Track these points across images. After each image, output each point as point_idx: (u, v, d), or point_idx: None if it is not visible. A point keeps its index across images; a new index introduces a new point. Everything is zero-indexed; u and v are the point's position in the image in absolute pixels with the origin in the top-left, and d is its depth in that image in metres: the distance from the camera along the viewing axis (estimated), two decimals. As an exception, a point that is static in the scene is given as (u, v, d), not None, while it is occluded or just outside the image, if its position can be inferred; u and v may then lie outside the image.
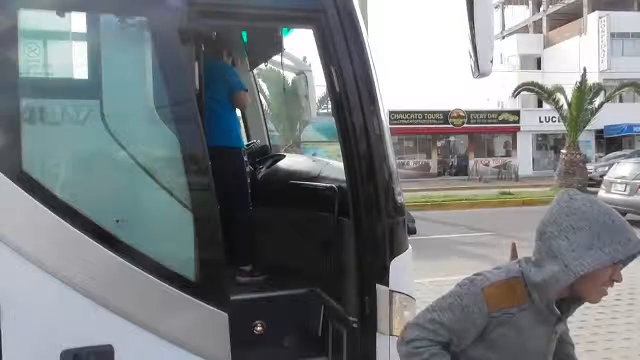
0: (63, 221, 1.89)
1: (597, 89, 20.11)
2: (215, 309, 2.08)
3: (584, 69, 20.41)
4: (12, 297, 1.84)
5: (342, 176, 2.56)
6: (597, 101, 20.21)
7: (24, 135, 1.92)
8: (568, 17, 37.73)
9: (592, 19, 34.64)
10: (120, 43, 2.12)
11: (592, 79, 22.83)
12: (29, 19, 2.03)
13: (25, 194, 1.87)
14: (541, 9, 41.31)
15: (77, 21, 2.24)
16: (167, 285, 2.00)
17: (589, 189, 20.17)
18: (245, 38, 4.15)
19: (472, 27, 2.28)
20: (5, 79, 1.91)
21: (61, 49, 2.31)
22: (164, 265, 2.01)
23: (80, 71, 2.26)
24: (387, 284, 2.34)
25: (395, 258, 2.39)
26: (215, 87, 3.30)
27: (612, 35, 33.57)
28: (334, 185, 2.83)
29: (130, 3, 2.10)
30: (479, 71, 2.32)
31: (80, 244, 1.91)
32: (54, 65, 2.24)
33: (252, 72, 4.59)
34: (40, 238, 1.91)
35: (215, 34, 2.28)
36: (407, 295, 2.42)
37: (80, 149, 2.08)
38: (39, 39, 2.20)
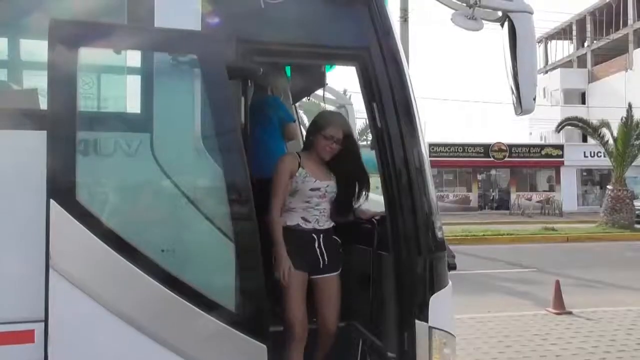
0: (114, 251, 1.96)
1: (644, 124, 19.54)
2: (255, 341, 2.09)
3: (629, 104, 19.92)
4: (61, 323, 1.91)
5: (382, 209, 2.57)
6: (645, 137, 19.61)
7: (79, 166, 2.01)
8: (613, 52, 37.05)
9: (638, 55, 33.92)
10: (172, 79, 2.22)
11: (639, 114, 22.20)
12: (88, 56, 2.16)
13: (79, 223, 1.94)
14: (585, 44, 40.70)
15: (132, 58, 2.38)
16: (209, 316, 2.03)
17: (637, 225, 19.40)
18: (289, 73, 4.27)
19: (514, 65, 2.29)
20: (63, 112, 2.01)
21: (116, 84, 2.44)
22: (207, 296, 2.05)
23: (134, 105, 2.37)
24: (426, 320, 2.31)
25: (435, 294, 2.37)
26: (267, 120, 3.45)
27: (659, 70, 32.74)
28: (373, 219, 2.84)
29: (182, 42, 2.20)
30: (521, 108, 2.32)
31: (130, 274, 1.97)
32: (109, 100, 2.36)
33: (295, 106, 4.71)
34: (92, 268, 1.98)
35: (262, 70, 2.36)
36: (446, 332, 2.38)
37: (131, 180, 2.17)
38: (96, 74, 2.34)
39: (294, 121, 3.86)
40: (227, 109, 2.17)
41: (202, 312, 2.02)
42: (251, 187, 2.12)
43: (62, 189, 1.95)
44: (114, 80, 2.47)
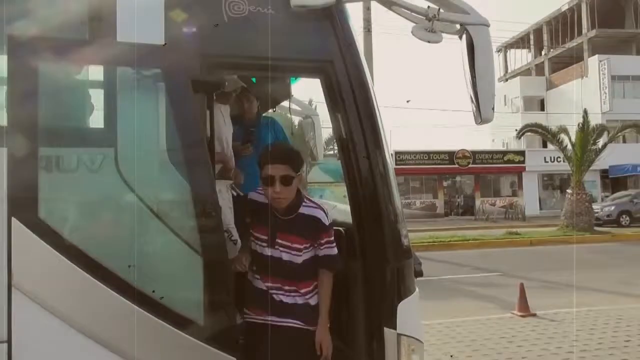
0: (79, 269, 1.93)
1: (600, 129, 20.30)
2: (224, 354, 2.09)
3: (585, 110, 20.67)
4: (25, 344, 1.87)
5: (349, 219, 2.60)
6: (601, 142, 20.34)
7: (41, 183, 1.97)
8: (569, 60, 38.44)
9: (593, 63, 35.28)
10: (135, 93, 2.21)
11: (595, 120, 23.07)
12: (49, 71, 2.13)
13: (42, 241, 1.91)
14: (543, 52, 42.09)
15: (94, 73, 2.36)
16: (177, 331, 2.02)
17: (596, 228, 20.06)
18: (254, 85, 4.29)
19: (473, 76, 2.37)
20: (24, 128, 1.97)
21: (78, 99, 2.41)
22: (175, 311, 2.03)
23: (97, 120, 2.35)
24: (394, 327, 2.35)
25: (403, 301, 2.40)
26: (264, 140, 3.50)
27: (613, 78, 34.14)
28: (340, 229, 2.87)
29: (145, 57, 2.19)
30: (480, 118, 2.39)
31: (96, 291, 1.95)
32: (72, 115, 2.33)
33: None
34: (56, 286, 1.94)
35: (226, 83, 2.38)
36: (415, 338, 2.42)
37: (96, 196, 2.15)
38: (58, 89, 2.30)
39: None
40: (192, 123, 2.17)
41: (170, 327, 2.01)
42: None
43: (23, 206, 1.91)
44: (76, 95, 2.43)
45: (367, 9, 13.99)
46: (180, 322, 2.03)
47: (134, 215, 2.10)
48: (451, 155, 31.38)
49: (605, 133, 20.55)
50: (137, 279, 1.99)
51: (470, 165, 31.52)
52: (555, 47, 40.46)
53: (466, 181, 33.22)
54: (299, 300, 2.53)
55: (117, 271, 1.97)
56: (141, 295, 1.98)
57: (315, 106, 6.94)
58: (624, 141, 29.58)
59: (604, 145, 20.40)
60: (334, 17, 2.39)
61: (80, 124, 2.35)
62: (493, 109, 2.41)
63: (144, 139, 2.18)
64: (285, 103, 4.31)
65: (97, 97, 2.37)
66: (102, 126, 2.29)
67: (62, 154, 2.10)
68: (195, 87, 2.13)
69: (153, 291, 2.01)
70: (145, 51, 2.11)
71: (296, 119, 5.26)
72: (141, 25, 2.13)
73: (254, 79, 4.26)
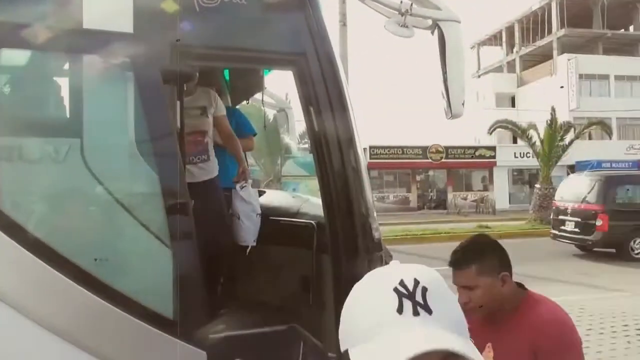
0: (43, 262, 1.87)
1: (567, 126, 20.81)
2: (194, 347, 2.07)
3: (553, 108, 21.12)
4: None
5: (321, 213, 2.60)
6: (568, 138, 20.85)
7: (2, 174, 1.92)
8: (539, 58, 39.23)
9: (562, 61, 36.05)
10: (102, 82, 2.16)
11: (563, 117, 23.60)
12: (12, 57, 2.07)
13: (3, 234, 1.85)
14: (514, 50, 42.82)
15: (59, 61, 2.29)
16: (146, 325, 1.98)
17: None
18: (227, 77, 4.24)
19: (444, 72, 2.39)
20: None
21: (42, 87, 2.34)
22: (143, 305, 2.00)
23: (62, 110, 2.29)
24: (365, 320, 2.36)
25: (373, 294, 2.42)
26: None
27: (580, 76, 34.98)
28: (312, 222, 2.87)
29: (113, 45, 2.15)
30: (451, 113, 2.42)
31: (62, 286, 1.89)
32: (35, 104, 2.26)
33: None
34: (19, 281, 1.89)
35: (197, 74, 2.34)
36: (384, 331, 2.44)
37: (60, 187, 2.09)
38: (19, 77, 2.23)
39: (255, 134, 3.94)
40: (161, 113, 2.13)
41: (139, 321, 1.97)
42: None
43: None
44: (40, 83, 2.36)
45: (342, 2, 13.97)
46: (149, 316, 2.00)
47: (101, 207, 2.06)
48: (424, 150, 31.70)
49: (572, 130, 21.05)
50: (104, 273, 1.95)
51: (442, 160, 31.93)
52: (526, 45, 41.21)
53: (439, 175, 33.63)
54: None
55: (83, 265, 1.93)
56: (108, 289, 1.94)
57: (289, 100, 6.93)
58: (590, 138, 30.35)
59: (571, 142, 20.92)
60: (307, 10, 2.38)
61: (44, 113, 2.28)
62: (463, 104, 2.44)
63: (111, 129, 2.14)
64: (258, 95, 4.27)
65: (62, 85, 2.31)
66: (68, 116, 2.23)
67: (24, 144, 2.03)
68: (165, 77, 2.09)
69: (120, 285, 1.97)
70: (113, 39, 2.06)
71: (270, 112, 5.24)
72: (109, 12, 2.08)
73: (226, 74, 4.22)
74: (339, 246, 2.44)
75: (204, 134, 3.21)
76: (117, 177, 2.12)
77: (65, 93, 2.23)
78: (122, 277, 2.03)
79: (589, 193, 12.44)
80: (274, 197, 4.00)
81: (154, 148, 2.12)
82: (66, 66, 2.22)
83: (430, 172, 33.52)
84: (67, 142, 2.06)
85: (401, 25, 2.41)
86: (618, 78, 35.73)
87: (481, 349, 1.81)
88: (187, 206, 2.13)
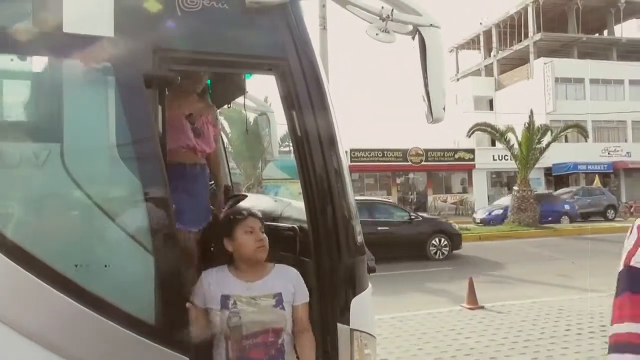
0: (22, 269, 1.85)
1: (545, 129, 21.18)
2: (176, 353, 2.05)
3: (531, 111, 21.50)
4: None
5: (303, 216, 2.61)
6: (545, 141, 21.23)
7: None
8: (516, 62, 39.91)
9: (538, 65, 36.71)
10: (83, 87, 2.14)
11: (540, 120, 24.01)
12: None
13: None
14: (492, 54, 43.44)
15: (39, 65, 2.26)
16: (127, 331, 1.96)
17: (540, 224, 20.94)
18: (209, 81, 4.22)
19: (425, 77, 2.42)
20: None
21: (21, 92, 2.31)
22: (124, 310, 1.98)
23: (41, 114, 2.26)
24: (348, 323, 2.38)
25: (356, 297, 2.44)
26: None
27: (557, 80, 35.67)
28: (295, 226, 2.88)
29: (94, 49, 2.13)
30: (432, 117, 2.45)
31: (42, 292, 1.87)
32: (14, 109, 2.23)
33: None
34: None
35: (179, 78, 2.33)
36: (367, 333, 2.46)
37: (40, 193, 2.06)
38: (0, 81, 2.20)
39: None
40: (142, 117, 2.12)
41: (120, 327, 1.96)
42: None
43: None
44: (19, 88, 2.33)
45: (322, 6, 14.01)
46: (130, 321, 1.98)
47: (81, 212, 2.04)
48: (404, 153, 31.95)
49: (549, 133, 21.45)
50: (84, 278, 1.93)
51: (422, 163, 32.21)
52: (503, 49, 41.85)
53: (419, 178, 33.92)
54: None
55: (64, 270, 1.90)
56: (88, 295, 1.92)
57: (271, 103, 6.91)
58: (566, 140, 30.96)
59: (548, 145, 21.30)
60: (289, 14, 2.39)
61: (23, 117, 2.25)
62: (444, 108, 2.47)
63: (91, 133, 2.12)
64: (240, 99, 4.26)
65: (43, 90, 2.27)
66: (47, 120, 2.20)
67: (3, 149, 2.00)
68: (146, 81, 2.08)
69: (101, 290, 1.95)
70: (93, 43, 2.04)
71: (251, 116, 5.22)
72: (90, 16, 2.06)
73: (208, 81, 4.20)
74: (321, 250, 2.45)
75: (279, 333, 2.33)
76: (98, 182, 2.10)
77: (45, 97, 2.19)
78: (103, 282, 2.01)
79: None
80: (256, 201, 3.99)
81: (136, 152, 2.10)
82: (46, 70, 2.19)
83: (411, 175, 33.79)
84: (47, 146, 2.03)
85: (382, 31, 2.43)
86: (593, 81, 36.52)
87: None
88: (168, 210, 2.12)
